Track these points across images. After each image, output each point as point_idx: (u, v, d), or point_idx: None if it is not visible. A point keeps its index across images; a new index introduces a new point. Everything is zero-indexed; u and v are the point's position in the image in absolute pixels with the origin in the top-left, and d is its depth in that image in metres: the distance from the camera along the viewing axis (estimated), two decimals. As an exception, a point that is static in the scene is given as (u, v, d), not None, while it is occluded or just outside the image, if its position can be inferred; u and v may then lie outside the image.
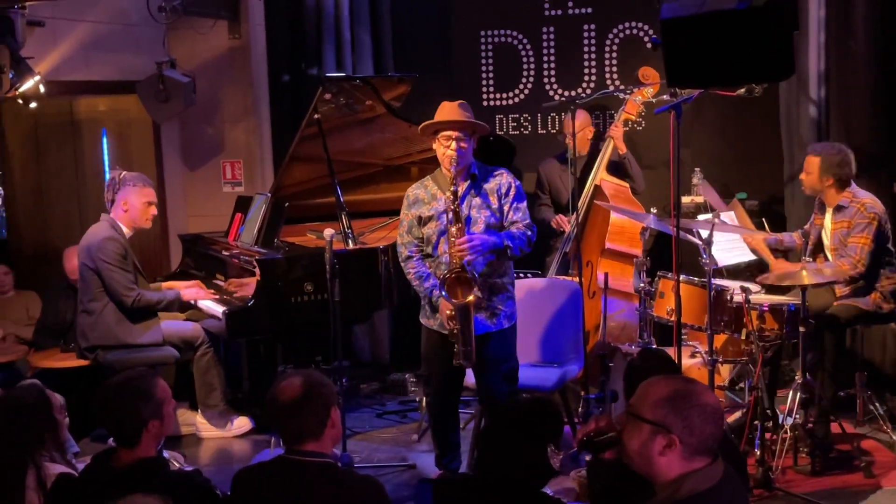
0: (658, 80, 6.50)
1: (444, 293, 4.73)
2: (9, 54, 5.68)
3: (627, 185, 6.69)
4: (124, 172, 5.96)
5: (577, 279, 6.03)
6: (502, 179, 4.98)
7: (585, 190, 6.56)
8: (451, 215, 4.76)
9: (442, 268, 4.90)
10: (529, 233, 4.95)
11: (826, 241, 5.72)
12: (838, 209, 5.62)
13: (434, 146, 4.94)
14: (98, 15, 6.99)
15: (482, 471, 2.98)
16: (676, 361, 4.70)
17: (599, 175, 6.60)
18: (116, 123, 7.96)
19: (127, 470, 3.18)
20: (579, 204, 6.35)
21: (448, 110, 4.91)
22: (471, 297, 4.72)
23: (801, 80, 6.49)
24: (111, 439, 4.39)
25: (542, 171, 6.95)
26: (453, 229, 4.75)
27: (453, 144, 4.82)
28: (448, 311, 4.78)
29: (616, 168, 6.74)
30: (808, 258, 5.65)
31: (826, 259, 5.71)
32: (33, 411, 3.54)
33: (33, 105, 6.44)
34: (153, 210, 5.99)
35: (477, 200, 4.93)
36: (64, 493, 3.23)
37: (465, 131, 4.86)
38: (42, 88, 6.28)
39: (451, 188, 4.76)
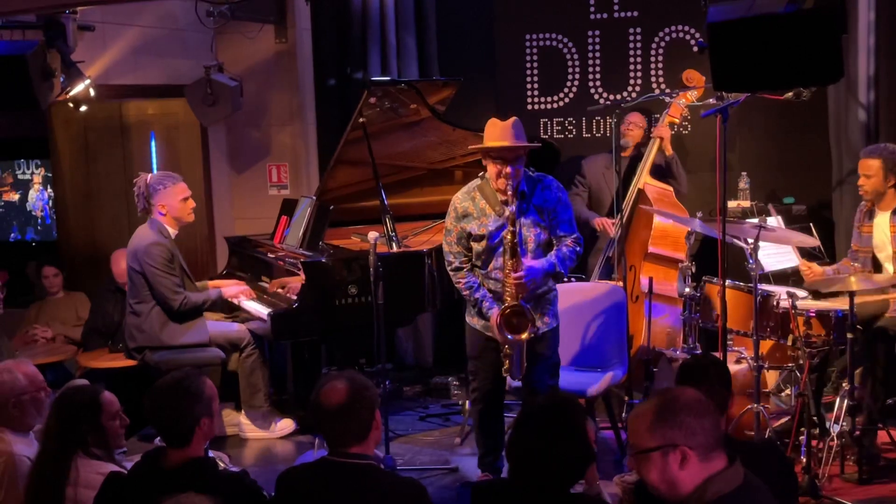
0: (702, 84, 6.46)
1: (506, 334, 4.78)
2: (60, 58, 5.74)
3: (671, 188, 6.64)
4: (147, 177, 5.96)
5: (620, 283, 6.00)
6: (549, 194, 4.95)
7: (629, 193, 6.51)
8: (508, 250, 4.77)
9: (490, 283, 4.93)
10: (578, 248, 4.98)
11: (886, 245, 5.53)
12: None
13: (484, 162, 4.93)
14: (147, 20, 7.08)
15: (513, 474, 2.98)
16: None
17: (643, 179, 6.56)
18: (164, 127, 8.05)
19: (177, 469, 3.21)
20: (623, 207, 6.32)
21: (500, 132, 4.82)
22: (525, 335, 4.78)
23: (850, 84, 6.42)
24: (158, 439, 4.45)
25: (586, 168, 6.93)
26: (509, 262, 4.77)
27: (505, 171, 4.77)
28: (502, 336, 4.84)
29: (660, 171, 6.69)
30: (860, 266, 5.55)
31: (880, 268, 5.59)
32: (79, 411, 3.59)
33: (83, 108, 6.58)
34: (191, 203, 6.03)
35: (527, 220, 4.91)
36: (114, 492, 3.27)
37: (517, 154, 4.82)
38: (92, 92, 6.40)
39: (511, 228, 4.74)
